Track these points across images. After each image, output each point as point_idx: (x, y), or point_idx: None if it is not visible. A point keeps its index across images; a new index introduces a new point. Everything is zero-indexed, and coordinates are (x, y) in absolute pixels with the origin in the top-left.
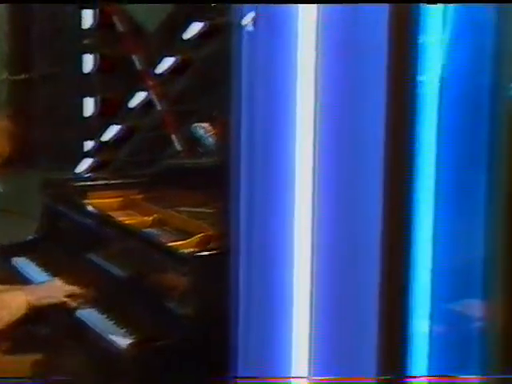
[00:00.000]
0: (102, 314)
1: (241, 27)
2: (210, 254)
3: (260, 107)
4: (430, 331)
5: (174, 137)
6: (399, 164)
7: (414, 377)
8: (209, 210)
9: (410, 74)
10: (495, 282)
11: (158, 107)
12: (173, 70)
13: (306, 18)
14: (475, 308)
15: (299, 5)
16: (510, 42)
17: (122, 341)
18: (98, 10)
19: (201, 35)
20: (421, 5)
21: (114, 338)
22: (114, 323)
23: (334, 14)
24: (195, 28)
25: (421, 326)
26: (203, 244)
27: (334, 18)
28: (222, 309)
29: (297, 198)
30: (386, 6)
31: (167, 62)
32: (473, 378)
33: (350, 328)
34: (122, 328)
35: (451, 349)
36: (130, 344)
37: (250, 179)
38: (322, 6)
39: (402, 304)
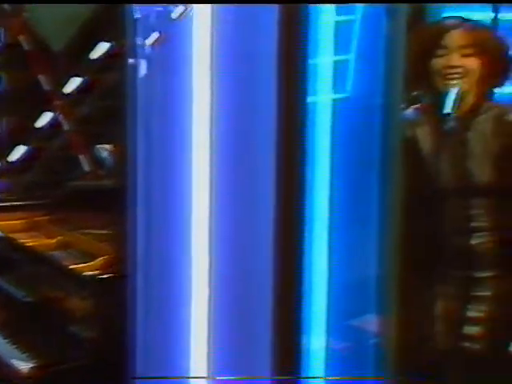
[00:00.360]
0: (5, 338)
1: (142, 49)
2: (111, 277)
3: (157, 130)
4: (326, 345)
5: (81, 158)
6: (292, 183)
7: (310, 377)
8: (112, 233)
9: (301, 94)
10: (389, 297)
11: (66, 128)
12: (80, 91)
13: (201, 39)
14: (371, 323)
15: (194, 27)
16: (401, 61)
17: (24, 365)
18: (3, 29)
19: (107, 56)
20: (313, 23)
21: (16, 362)
22: (17, 347)
23: (228, 34)
24: (102, 49)
25: (317, 339)
26: (107, 266)
27: (228, 38)
28: (121, 331)
29: (194, 220)
30: (275, 24)
31: (75, 83)
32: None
33: (247, 338)
34: (24, 352)
35: (347, 362)
36: (31, 368)
37: (147, 202)
38: (216, 29)
39: (296, 319)
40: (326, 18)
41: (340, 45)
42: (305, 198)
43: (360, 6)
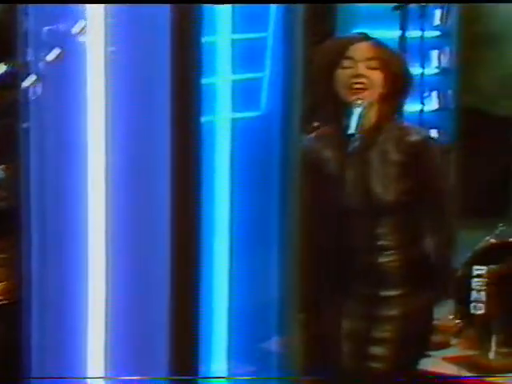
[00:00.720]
0: None
1: (41, 66)
2: (10, 303)
3: (51, 149)
4: (228, 366)
5: None
6: (189, 205)
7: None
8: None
9: (197, 112)
10: (289, 320)
11: None
12: None
13: (95, 61)
14: (272, 344)
15: (87, 46)
16: (300, 79)
17: None
18: None
19: (6, 73)
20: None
21: None
22: None
23: (123, 54)
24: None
25: (218, 361)
26: (7, 292)
27: (122, 55)
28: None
29: (90, 246)
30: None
31: None
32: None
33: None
34: None
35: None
36: None
37: (42, 227)
38: (109, 43)
39: (193, 347)
40: (226, 35)
41: (250, 62)
42: (203, 221)
43: (272, 23)
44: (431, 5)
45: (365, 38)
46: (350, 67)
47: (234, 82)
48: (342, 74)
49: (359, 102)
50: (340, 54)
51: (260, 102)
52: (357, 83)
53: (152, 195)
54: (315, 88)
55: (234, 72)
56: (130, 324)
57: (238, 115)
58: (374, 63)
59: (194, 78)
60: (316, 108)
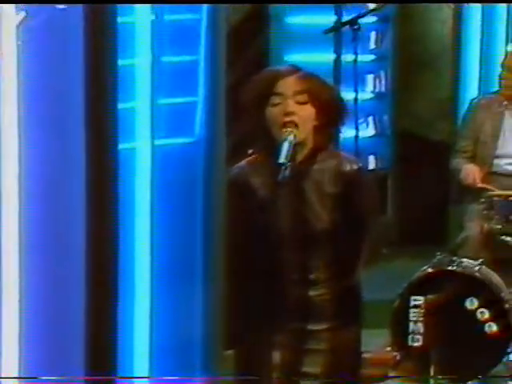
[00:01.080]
0: None
1: None
2: None
3: None
4: None
5: None
6: (106, 240)
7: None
8: None
9: (113, 138)
10: (214, 357)
11: None
12: None
13: (7, 84)
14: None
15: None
16: (226, 111)
17: None
18: None
19: None
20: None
21: None
22: None
23: (36, 77)
24: None
25: None
26: None
27: (36, 81)
28: None
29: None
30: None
31: None
32: None
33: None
34: None
35: None
36: None
37: None
38: (22, 67)
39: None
40: (147, 57)
41: (180, 88)
42: (120, 255)
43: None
44: (365, 28)
45: (293, 70)
46: (279, 103)
47: (164, 106)
48: (273, 112)
49: (289, 129)
50: (268, 89)
51: (194, 128)
52: (287, 121)
53: (68, 222)
54: (246, 123)
55: (163, 97)
56: (44, 327)
57: (165, 141)
58: (302, 97)
59: (111, 100)
60: (246, 139)
